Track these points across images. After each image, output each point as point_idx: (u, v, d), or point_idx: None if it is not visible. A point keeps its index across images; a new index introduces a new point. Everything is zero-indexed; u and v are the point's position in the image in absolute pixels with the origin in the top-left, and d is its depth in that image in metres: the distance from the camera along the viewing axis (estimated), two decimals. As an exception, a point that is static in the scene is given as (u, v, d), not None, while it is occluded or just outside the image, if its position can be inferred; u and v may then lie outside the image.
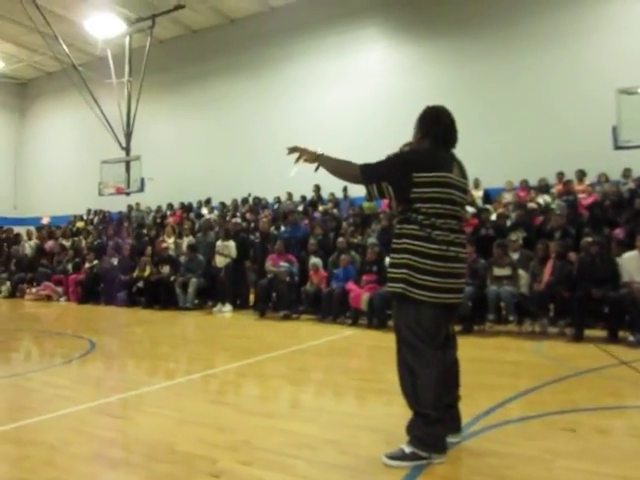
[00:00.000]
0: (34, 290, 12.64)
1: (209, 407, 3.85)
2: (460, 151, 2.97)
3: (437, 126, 2.90)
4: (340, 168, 2.93)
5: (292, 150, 2.98)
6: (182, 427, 3.36)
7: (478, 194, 11.87)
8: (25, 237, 15.65)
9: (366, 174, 2.86)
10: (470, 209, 9.85)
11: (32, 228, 17.07)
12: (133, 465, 2.75)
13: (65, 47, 15.98)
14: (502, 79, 13.26)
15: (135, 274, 11.10)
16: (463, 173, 2.95)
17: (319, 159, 2.92)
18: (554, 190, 11.21)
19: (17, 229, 17.26)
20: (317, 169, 2.96)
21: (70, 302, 11.97)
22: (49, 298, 12.38)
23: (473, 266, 7.49)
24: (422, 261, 2.73)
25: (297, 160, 2.95)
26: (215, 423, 3.42)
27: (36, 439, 3.16)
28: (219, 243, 10.41)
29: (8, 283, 13.38)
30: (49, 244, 14.64)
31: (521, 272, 7.46)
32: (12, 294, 13.20)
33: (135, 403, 4.03)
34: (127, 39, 16.82)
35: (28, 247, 14.90)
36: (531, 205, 10.28)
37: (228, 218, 13.63)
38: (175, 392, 4.33)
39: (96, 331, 7.81)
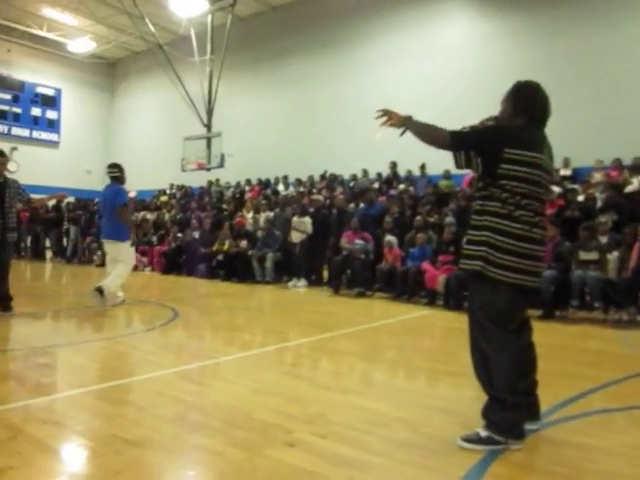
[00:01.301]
0: (122, 260, 13.42)
1: (284, 379, 3.96)
2: (548, 128, 2.82)
3: (534, 103, 2.75)
4: (428, 132, 2.79)
5: (382, 113, 2.88)
6: (258, 396, 3.49)
7: (566, 173, 11.27)
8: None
9: (456, 140, 2.72)
10: (556, 189, 9.38)
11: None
12: (213, 429, 2.89)
13: (151, 27, 16.60)
14: (593, 53, 12.38)
15: (215, 247, 11.51)
16: (551, 154, 2.81)
17: (407, 122, 2.82)
18: (650, 170, 10.44)
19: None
20: (403, 133, 2.86)
21: (154, 272, 12.65)
22: (135, 268, 13.08)
23: (557, 249, 7.16)
24: (504, 240, 2.64)
25: (384, 123, 2.85)
26: (290, 395, 3.51)
27: (126, 399, 3.40)
28: (295, 219, 10.56)
29: (100, 252, 14.29)
30: (137, 217, 15.45)
31: (610, 257, 7.05)
32: (102, 262, 14.07)
33: (213, 371, 4.22)
34: (209, 17, 17.19)
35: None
36: (631, 188, 9.61)
37: (306, 194, 13.76)
38: (251, 362, 4.49)
39: (178, 301, 8.21)
